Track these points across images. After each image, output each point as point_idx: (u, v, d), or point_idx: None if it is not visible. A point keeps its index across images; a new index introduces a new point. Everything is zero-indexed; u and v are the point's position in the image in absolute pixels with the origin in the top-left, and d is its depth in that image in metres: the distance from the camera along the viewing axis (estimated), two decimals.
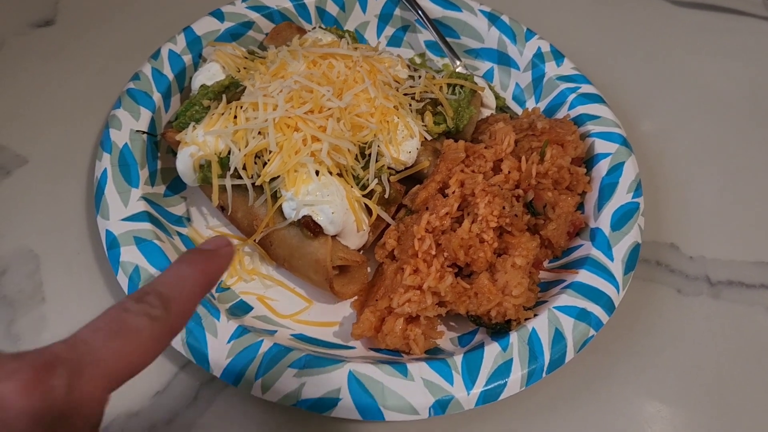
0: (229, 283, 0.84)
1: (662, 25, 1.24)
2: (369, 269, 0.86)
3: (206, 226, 0.89)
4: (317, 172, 0.79)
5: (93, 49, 1.06)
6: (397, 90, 0.90)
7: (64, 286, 0.82)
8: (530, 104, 1.04)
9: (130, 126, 0.88)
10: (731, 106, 1.12)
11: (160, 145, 0.91)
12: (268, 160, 0.79)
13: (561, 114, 0.99)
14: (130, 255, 0.77)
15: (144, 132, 0.88)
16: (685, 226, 0.95)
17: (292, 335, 0.80)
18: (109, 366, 0.38)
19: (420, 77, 0.93)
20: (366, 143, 0.84)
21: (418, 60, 1.10)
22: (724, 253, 0.93)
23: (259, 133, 0.80)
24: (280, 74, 0.85)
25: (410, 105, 0.90)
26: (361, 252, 0.85)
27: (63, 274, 0.83)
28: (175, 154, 0.91)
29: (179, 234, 0.86)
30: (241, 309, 0.81)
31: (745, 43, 1.22)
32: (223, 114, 0.82)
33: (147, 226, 0.80)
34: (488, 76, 1.08)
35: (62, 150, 0.94)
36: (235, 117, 0.82)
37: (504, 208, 0.81)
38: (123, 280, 0.76)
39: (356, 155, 0.83)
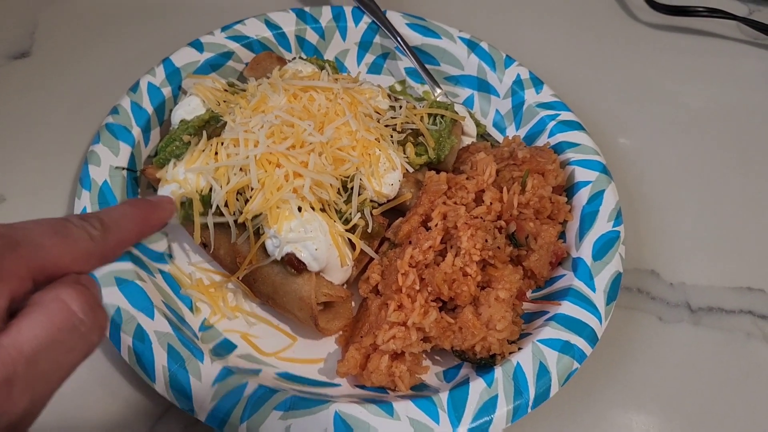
0: (212, 321, 0.83)
1: (639, 47, 1.25)
2: (353, 303, 0.86)
3: (188, 263, 0.88)
4: (299, 208, 0.79)
5: (70, 81, 1.05)
6: (378, 121, 0.90)
7: None
8: (510, 131, 1.05)
9: (109, 162, 0.87)
10: (709, 128, 1.14)
11: (140, 181, 0.90)
12: (250, 197, 0.79)
13: (541, 141, 1.00)
14: (112, 296, 0.76)
15: (124, 168, 0.87)
16: (665, 252, 0.97)
17: (277, 374, 0.79)
18: (39, 254, 0.42)
19: (401, 107, 0.93)
20: (348, 177, 0.84)
21: (398, 87, 1.10)
22: (704, 278, 0.94)
23: (241, 169, 0.80)
24: (260, 108, 0.85)
25: (392, 136, 0.90)
26: (345, 286, 0.85)
27: None
28: (155, 190, 0.91)
29: (161, 271, 0.85)
30: (225, 348, 0.80)
31: (722, 66, 1.24)
32: (204, 150, 0.82)
33: (128, 265, 0.79)
34: (468, 102, 1.08)
35: (40, 187, 0.93)
36: (216, 153, 0.81)
37: (486, 241, 0.82)
38: None
39: (338, 189, 0.83)
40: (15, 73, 1.05)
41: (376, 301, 0.82)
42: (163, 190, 0.82)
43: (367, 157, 0.86)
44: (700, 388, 0.84)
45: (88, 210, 0.82)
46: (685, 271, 0.95)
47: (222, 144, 0.81)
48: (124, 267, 0.79)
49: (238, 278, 0.82)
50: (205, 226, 0.81)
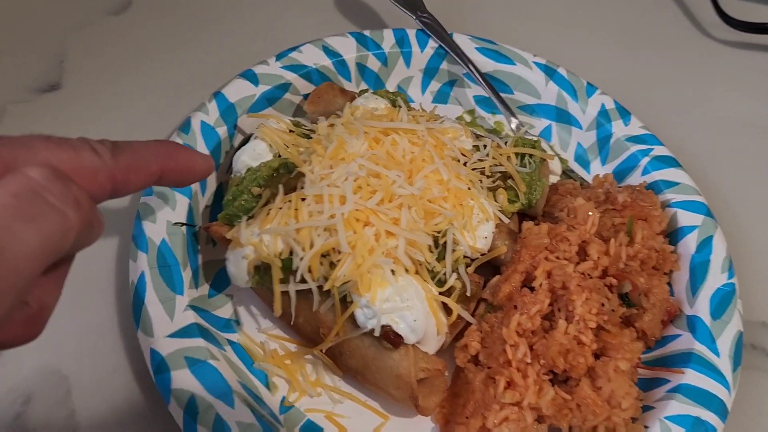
0: (291, 400, 0.73)
1: (717, 66, 1.16)
2: (446, 373, 0.77)
3: (258, 330, 0.78)
4: (392, 272, 0.70)
5: (106, 114, 0.94)
6: (465, 164, 0.81)
7: (100, 414, 0.70)
8: (595, 165, 0.96)
9: (166, 217, 0.77)
10: None
11: (199, 236, 0.80)
12: (337, 261, 0.69)
13: (633, 179, 0.91)
14: (184, 380, 0.66)
15: (183, 224, 0.77)
16: None
17: None
18: (28, 152, 0.40)
19: (485, 147, 0.84)
20: (439, 232, 0.74)
21: (467, 118, 1.01)
22: None
23: (325, 229, 0.70)
24: (339, 155, 0.75)
25: (481, 182, 0.80)
26: (437, 355, 0.75)
27: (98, 400, 0.71)
28: (215, 243, 0.81)
29: (230, 342, 0.75)
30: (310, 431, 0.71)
31: None
32: (280, 208, 0.72)
33: (199, 342, 0.69)
34: (546, 134, 0.99)
35: None
36: (296, 210, 0.71)
37: (603, 304, 0.73)
38: (176, 412, 0.65)
39: (429, 246, 0.73)
40: (45, 108, 0.93)
41: (479, 374, 0.72)
42: (235, 254, 0.72)
43: (460, 208, 0.76)
44: None
45: (147, 275, 0.72)
46: None
47: (303, 200, 0.71)
48: (195, 344, 0.69)
49: (321, 351, 0.72)
50: (284, 294, 0.71)
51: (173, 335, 0.69)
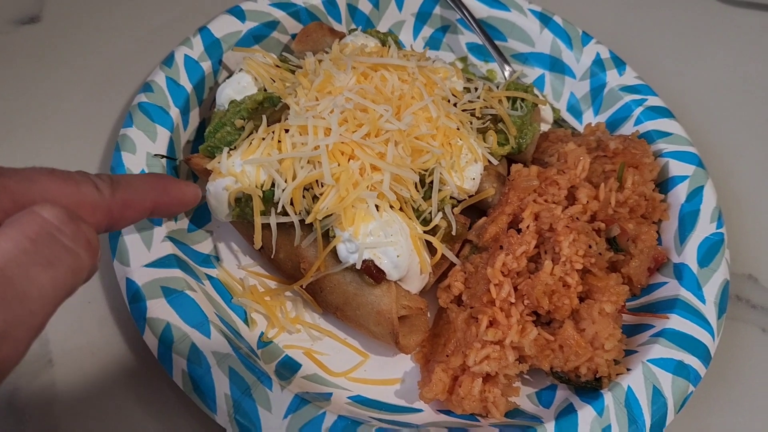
0: (270, 336, 0.72)
1: (728, 31, 1.14)
2: (429, 314, 0.75)
3: (238, 266, 0.77)
4: (377, 207, 0.68)
5: (88, 51, 0.91)
6: (455, 105, 0.79)
7: (74, 345, 0.69)
8: (588, 116, 0.94)
9: (146, 149, 0.74)
10: None
11: (180, 170, 0.78)
12: (320, 194, 0.67)
13: (626, 129, 0.89)
14: (159, 310, 0.65)
15: (163, 156, 0.75)
16: (763, 254, 0.87)
17: (349, 398, 0.69)
18: (30, 186, 0.40)
19: (477, 89, 0.82)
20: (426, 170, 0.73)
21: (459, 65, 0.99)
22: None
23: (309, 162, 0.68)
24: (326, 89, 0.73)
25: (471, 123, 0.78)
26: (420, 295, 0.74)
27: (72, 331, 0.69)
28: (197, 178, 0.79)
29: (209, 277, 0.73)
30: (288, 368, 0.70)
31: None
32: (263, 139, 0.70)
33: (176, 272, 0.68)
34: (539, 83, 0.97)
35: None
36: (280, 142, 0.69)
37: (590, 246, 0.71)
38: (152, 341, 0.64)
39: (416, 184, 0.72)
40: (24, 40, 0.90)
41: (461, 313, 0.71)
42: (215, 185, 0.70)
43: (449, 147, 0.74)
44: None
45: None
46: None
47: (286, 131, 0.69)
48: (172, 274, 0.67)
49: (301, 287, 0.71)
50: (265, 227, 0.69)
51: (150, 265, 0.67)
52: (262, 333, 0.72)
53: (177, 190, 0.55)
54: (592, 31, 0.98)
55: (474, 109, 0.80)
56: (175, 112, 0.78)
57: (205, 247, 0.76)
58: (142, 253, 0.68)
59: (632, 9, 1.15)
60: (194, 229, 0.77)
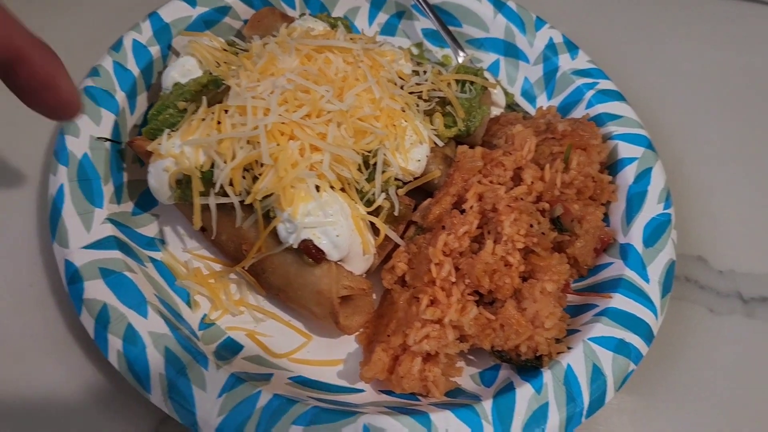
0: (213, 318, 0.72)
1: (677, 15, 1.14)
2: (374, 296, 0.76)
3: (183, 249, 0.77)
4: (317, 188, 0.68)
5: (39, 34, 0.90)
6: (402, 88, 0.79)
7: (15, 327, 0.69)
8: (541, 101, 0.94)
9: (90, 132, 0.74)
10: (758, 104, 1.03)
11: (125, 154, 0.78)
12: (260, 175, 0.67)
13: (578, 113, 0.90)
14: (96, 291, 0.65)
15: (107, 139, 0.75)
16: (712, 236, 0.88)
17: (290, 378, 0.69)
18: None
19: (425, 72, 0.82)
20: (370, 151, 0.73)
21: (415, 50, 0.99)
22: (756, 266, 0.86)
23: (248, 142, 0.68)
24: (269, 71, 0.73)
25: (417, 105, 0.79)
26: (365, 277, 0.74)
27: (13, 312, 0.69)
28: (143, 163, 0.79)
29: (152, 260, 0.73)
30: (229, 349, 0.70)
31: None
32: (204, 119, 0.70)
33: (115, 254, 0.68)
34: (493, 69, 0.97)
35: (6, 160, 0.80)
36: (219, 123, 0.69)
37: (532, 226, 0.72)
38: (88, 321, 0.63)
39: (359, 165, 0.72)
40: None
41: (404, 294, 0.71)
42: (156, 166, 0.70)
43: (392, 128, 0.74)
44: (757, 386, 0.76)
45: (66, 188, 0.70)
46: (734, 257, 0.86)
47: (226, 112, 0.69)
48: (110, 255, 0.67)
49: (243, 268, 0.71)
50: (205, 208, 0.69)
51: (89, 246, 0.67)
52: (205, 315, 0.72)
53: (59, 78, 0.48)
54: (548, 16, 0.98)
55: (421, 92, 0.80)
56: (121, 96, 0.78)
57: (150, 230, 0.76)
58: (82, 235, 0.68)
59: None
60: (139, 212, 0.77)
